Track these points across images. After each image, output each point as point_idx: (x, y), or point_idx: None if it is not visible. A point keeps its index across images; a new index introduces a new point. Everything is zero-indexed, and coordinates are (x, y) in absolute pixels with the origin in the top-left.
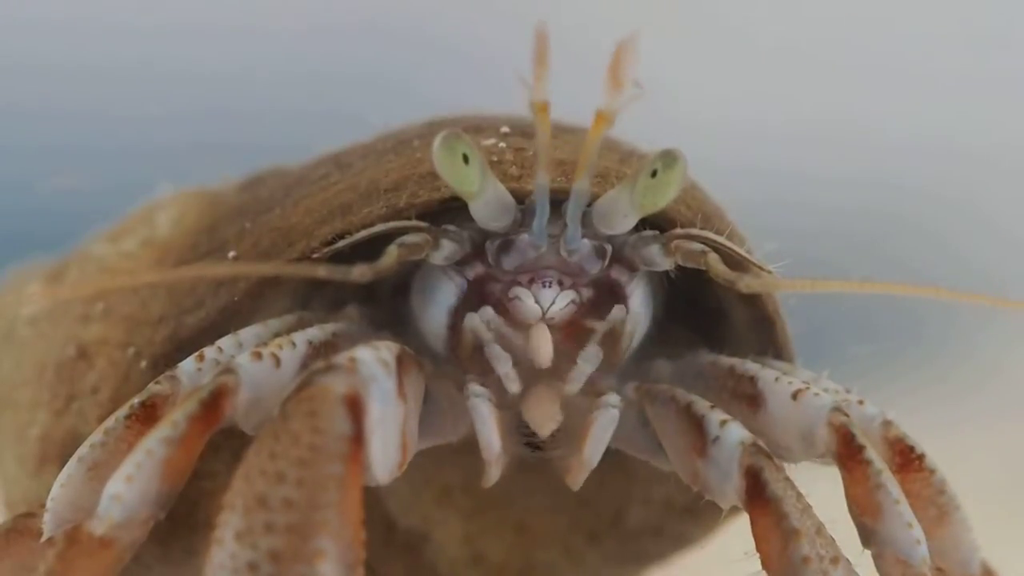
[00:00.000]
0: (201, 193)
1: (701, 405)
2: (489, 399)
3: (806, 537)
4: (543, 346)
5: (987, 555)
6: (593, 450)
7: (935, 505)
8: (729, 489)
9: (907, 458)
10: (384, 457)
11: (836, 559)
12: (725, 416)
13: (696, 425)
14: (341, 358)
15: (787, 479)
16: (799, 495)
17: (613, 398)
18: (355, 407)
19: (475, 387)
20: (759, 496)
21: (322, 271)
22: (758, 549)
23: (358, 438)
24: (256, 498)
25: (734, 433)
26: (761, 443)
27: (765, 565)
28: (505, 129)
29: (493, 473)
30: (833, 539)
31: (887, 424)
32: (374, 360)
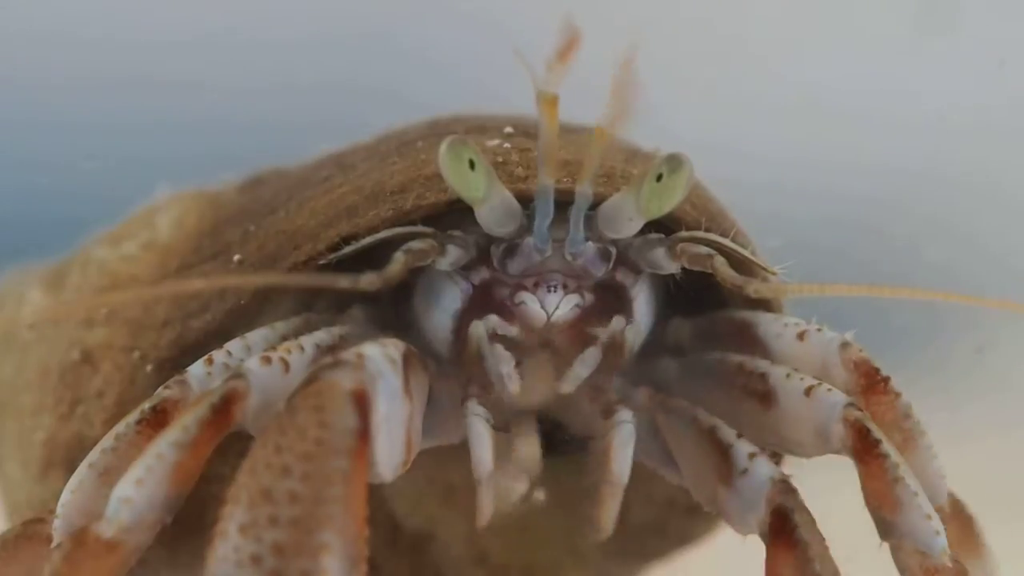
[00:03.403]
0: (201, 195)
1: (727, 432)
2: (487, 420)
3: None
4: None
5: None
6: (620, 469)
7: (900, 430)
8: (752, 521)
9: (872, 380)
10: (389, 454)
11: None
12: (753, 448)
13: (721, 453)
14: (348, 354)
15: (814, 521)
16: (823, 539)
17: (625, 414)
18: (362, 402)
19: (473, 405)
20: (785, 536)
21: (333, 280)
22: None
23: (364, 433)
24: (261, 491)
25: (764, 468)
26: (790, 480)
27: None
28: (509, 129)
29: (485, 503)
30: None
31: (846, 346)
32: (381, 357)
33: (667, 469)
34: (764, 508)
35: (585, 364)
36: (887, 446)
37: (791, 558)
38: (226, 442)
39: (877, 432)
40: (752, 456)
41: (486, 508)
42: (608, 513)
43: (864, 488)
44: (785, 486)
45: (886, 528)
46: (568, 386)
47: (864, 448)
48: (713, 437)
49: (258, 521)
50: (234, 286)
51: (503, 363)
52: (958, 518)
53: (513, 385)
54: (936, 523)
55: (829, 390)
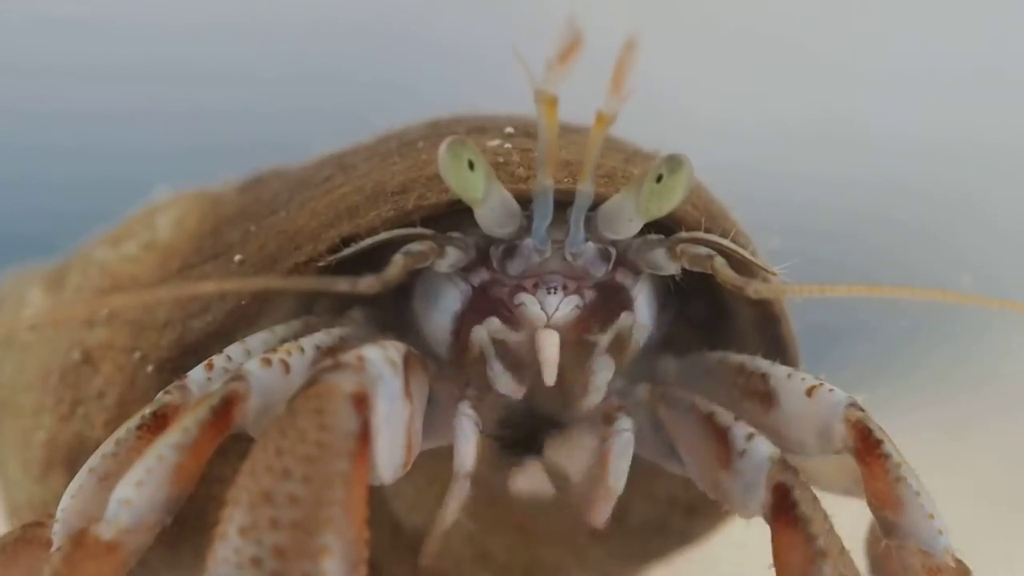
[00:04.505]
0: (201, 195)
1: (725, 417)
2: (476, 423)
3: (831, 558)
4: (550, 351)
5: (987, 554)
6: (616, 479)
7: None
8: (753, 503)
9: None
10: (390, 456)
11: None
12: (751, 429)
13: (720, 437)
14: (349, 356)
15: (815, 497)
16: (826, 515)
17: (624, 422)
18: (362, 405)
19: (465, 407)
20: (787, 513)
21: (332, 283)
22: (777, 563)
23: (364, 436)
24: (261, 494)
25: (762, 448)
26: (788, 459)
27: None
28: (509, 130)
29: (455, 500)
30: (853, 562)
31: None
32: (382, 359)
33: (670, 462)
34: (764, 487)
35: (602, 372)
36: (889, 446)
37: (795, 536)
38: (228, 443)
39: (879, 432)
40: (750, 437)
41: (454, 505)
42: (600, 513)
43: (866, 488)
44: (783, 464)
45: (889, 528)
46: (595, 396)
47: (866, 448)
48: (711, 422)
49: (259, 523)
50: (235, 290)
51: (501, 380)
52: None
53: (516, 394)
54: (939, 522)
55: (831, 390)
